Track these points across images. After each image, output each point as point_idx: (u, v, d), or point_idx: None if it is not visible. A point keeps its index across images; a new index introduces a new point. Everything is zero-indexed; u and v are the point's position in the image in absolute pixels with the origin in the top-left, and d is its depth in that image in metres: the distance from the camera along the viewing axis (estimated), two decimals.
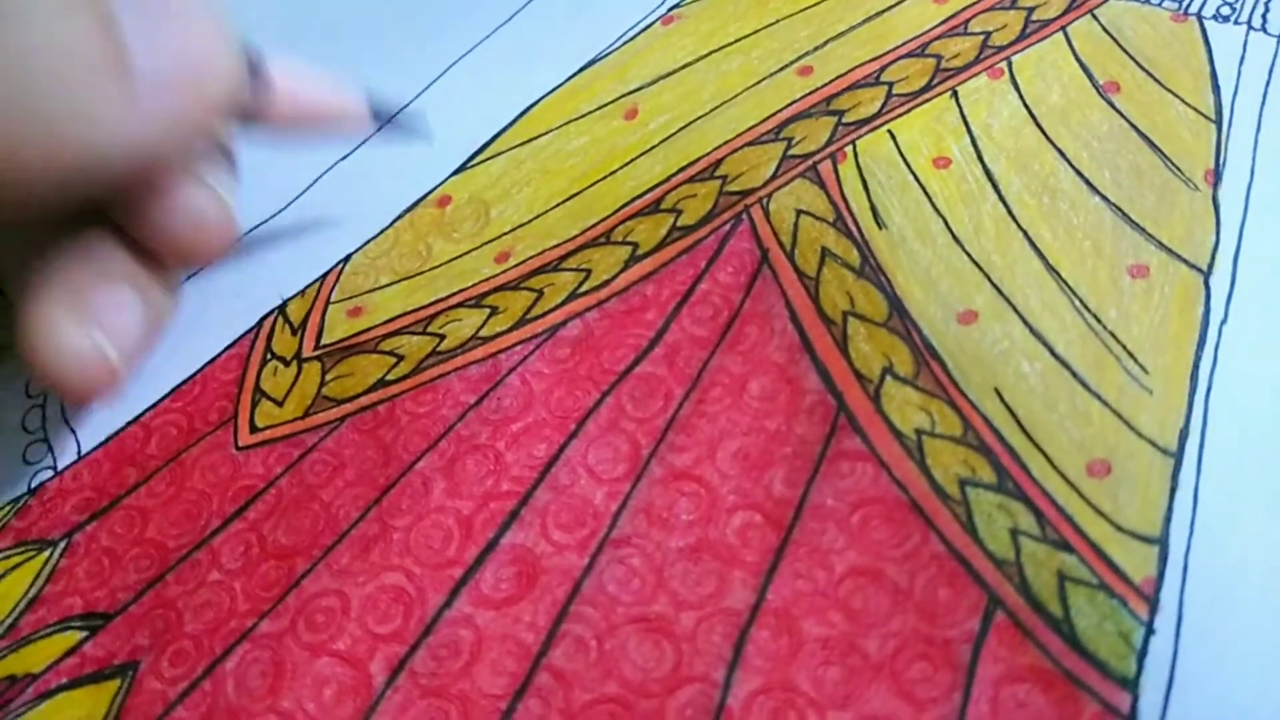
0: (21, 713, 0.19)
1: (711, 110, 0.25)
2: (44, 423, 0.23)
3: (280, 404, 0.22)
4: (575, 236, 0.23)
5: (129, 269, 0.20)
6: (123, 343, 0.20)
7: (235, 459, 0.21)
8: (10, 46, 0.16)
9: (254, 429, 0.22)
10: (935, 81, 0.24)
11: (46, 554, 0.21)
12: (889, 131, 0.23)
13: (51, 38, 0.16)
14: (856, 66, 0.24)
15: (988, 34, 0.24)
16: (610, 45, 0.27)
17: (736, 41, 0.26)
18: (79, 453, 0.22)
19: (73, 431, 0.23)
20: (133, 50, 0.17)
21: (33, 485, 0.22)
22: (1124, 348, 0.19)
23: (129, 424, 0.22)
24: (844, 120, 0.23)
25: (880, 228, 0.21)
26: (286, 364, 0.23)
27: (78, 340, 0.19)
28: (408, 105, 0.23)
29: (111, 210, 0.20)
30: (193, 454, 0.22)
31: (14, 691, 0.19)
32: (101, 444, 0.22)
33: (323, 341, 0.23)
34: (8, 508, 0.22)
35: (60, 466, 0.22)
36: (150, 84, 0.17)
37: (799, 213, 0.22)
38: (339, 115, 0.22)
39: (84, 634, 0.20)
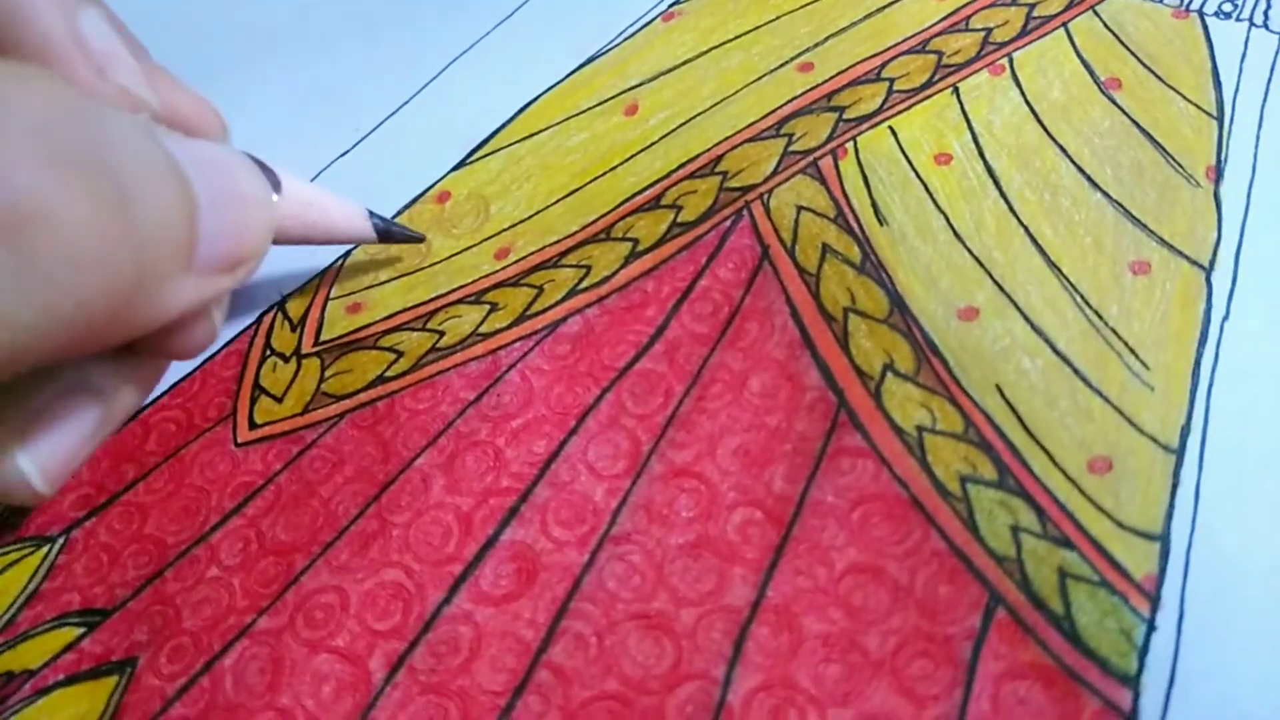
0: (19, 709, 0.19)
1: (712, 106, 0.25)
2: None
3: (279, 400, 0.22)
4: (575, 233, 0.23)
5: (90, 383, 0.20)
6: (61, 462, 0.19)
7: (234, 455, 0.21)
8: (120, 224, 0.16)
9: (253, 425, 0.22)
10: (936, 78, 0.24)
11: (45, 550, 0.21)
12: (890, 128, 0.23)
13: (154, 217, 0.17)
14: (857, 63, 0.24)
15: (989, 30, 0.24)
16: (611, 41, 0.27)
17: (737, 38, 0.26)
18: None
19: None
20: (203, 239, 0.18)
21: (29, 505, 0.22)
22: (1125, 344, 0.19)
23: (128, 420, 0.22)
24: (845, 117, 0.23)
25: (881, 224, 0.21)
26: (286, 360, 0.23)
27: (14, 470, 0.19)
28: (396, 222, 0.24)
29: None
30: (192, 450, 0.22)
31: (11, 688, 0.19)
32: None
33: (322, 338, 0.23)
34: (6, 504, 0.22)
35: None
36: (204, 265, 0.18)
37: (800, 209, 0.22)
38: (344, 235, 0.22)
39: (82, 630, 0.20)
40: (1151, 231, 0.20)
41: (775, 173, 0.23)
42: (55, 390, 0.20)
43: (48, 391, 0.19)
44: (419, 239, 0.24)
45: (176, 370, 0.23)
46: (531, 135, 0.26)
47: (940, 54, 0.24)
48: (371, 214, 0.23)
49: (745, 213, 0.22)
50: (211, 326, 0.20)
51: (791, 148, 0.23)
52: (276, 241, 0.21)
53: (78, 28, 0.19)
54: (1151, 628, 0.16)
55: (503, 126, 0.26)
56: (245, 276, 0.19)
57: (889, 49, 0.24)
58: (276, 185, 0.20)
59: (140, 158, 0.17)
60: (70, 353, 0.17)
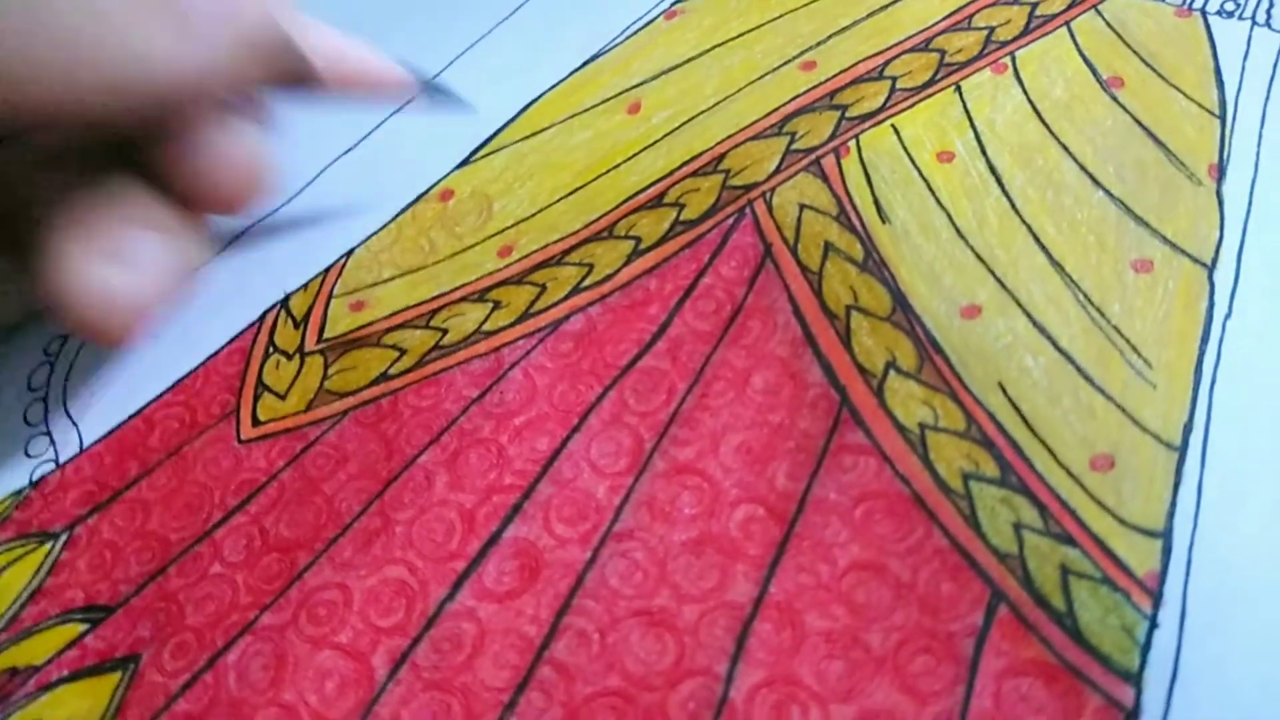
0: (23, 705, 0.19)
1: (714, 105, 0.25)
2: (46, 415, 0.23)
3: (283, 397, 0.22)
4: (578, 231, 0.23)
5: (155, 215, 0.21)
6: (146, 284, 0.20)
7: (237, 452, 0.21)
8: None
9: (256, 422, 0.22)
10: (939, 76, 0.24)
11: (48, 546, 0.21)
12: (892, 126, 0.23)
13: None
14: (860, 61, 0.24)
15: (991, 29, 0.24)
16: (613, 40, 0.27)
17: (739, 36, 0.26)
18: (80, 445, 0.22)
19: (74, 424, 0.23)
20: None
21: (34, 478, 0.22)
22: (1128, 342, 0.19)
23: (131, 417, 0.22)
24: (847, 115, 0.23)
25: (883, 222, 0.21)
26: (289, 357, 0.23)
27: (101, 276, 0.19)
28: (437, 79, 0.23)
29: (143, 153, 0.21)
30: (195, 447, 0.22)
31: (15, 684, 0.19)
32: (103, 437, 0.22)
33: (325, 335, 0.23)
34: (9, 500, 0.22)
35: (62, 459, 0.22)
36: (194, 18, 0.18)
37: (802, 207, 0.22)
38: (381, 80, 0.22)
39: (85, 626, 0.20)
40: (1154, 230, 0.20)
41: (778, 171, 0.23)
42: (129, 220, 0.20)
43: (123, 220, 0.20)
44: (463, 105, 0.23)
45: (179, 366, 0.23)
46: (535, 134, 0.26)
47: (943, 52, 0.24)
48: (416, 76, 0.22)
49: (748, 211, 0.22)
50: (250, 148, 0.21)
51: (794, 146, 0.23)
52: (304, 83, 0.21)
53: None
54: (1154, 624, 0.16)
55: (506, 125, 0.26)
56: (251, 52, 0.19)
57: (891, 47, 0.24)
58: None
59: None
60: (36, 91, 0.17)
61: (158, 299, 0.20)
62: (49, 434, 0.23)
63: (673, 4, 0.27)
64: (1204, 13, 0.23)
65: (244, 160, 0.21)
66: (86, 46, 0.17)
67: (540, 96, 0.26)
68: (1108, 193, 0.21)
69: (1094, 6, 0.24)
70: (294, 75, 0.21)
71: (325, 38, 0.21)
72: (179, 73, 0.19)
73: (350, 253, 0.24)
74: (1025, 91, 0.23)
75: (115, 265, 0.20)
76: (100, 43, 0.18)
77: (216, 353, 0.23)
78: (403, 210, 0.25)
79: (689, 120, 0.24)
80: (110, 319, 0.20)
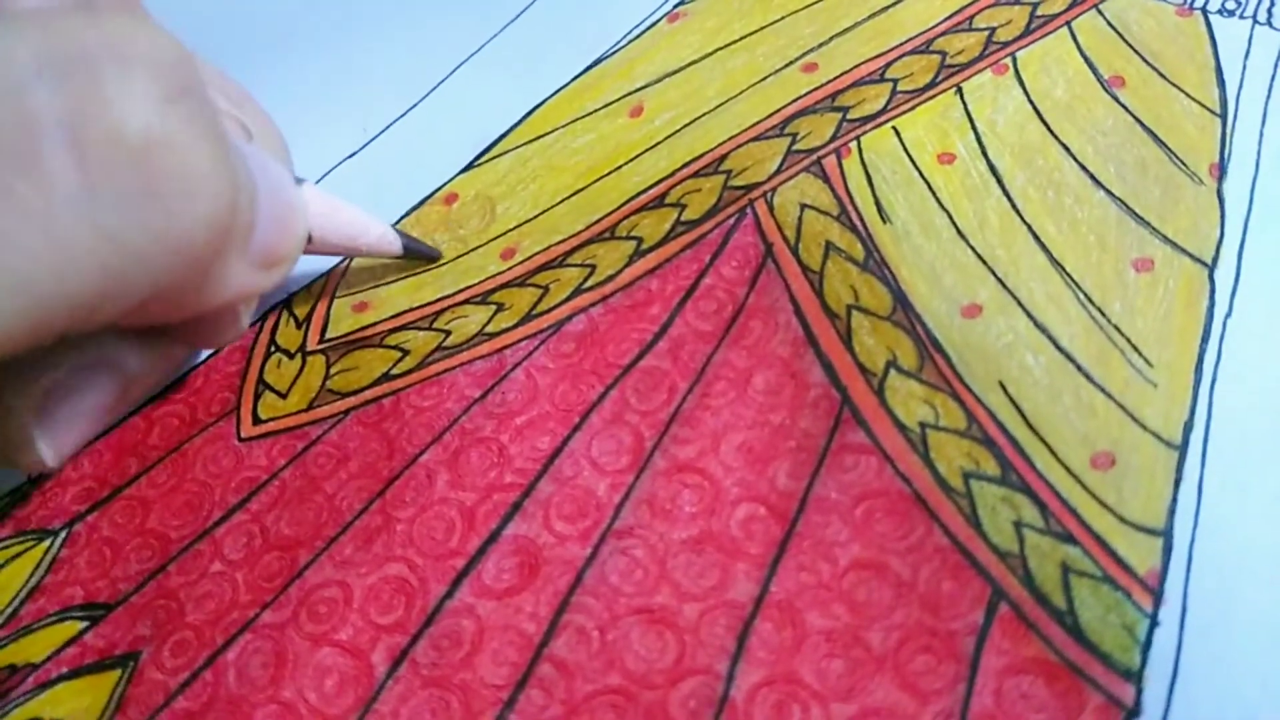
0: (22, 702, 0.19)
1: (716, 107, 0.25)
2: None
3: (284, 396, 0.22)
4: (580, 232, 0.23)
5: (110, 360, 0.21)
6: (69, 435, 0.21)
7: (238, 450, 0.21)
8: (226, 162, 0.17)
9: (257, 421, 0.22)
10: (940, 78, 0.24)
11: (47, 544, 0.21)
12: (893, 128, 0.23)
13: (243, 204, 0.18)
14: (861, 63, 0.24)
15: (992, 30, 0.24)
16: (616, 44, 0.27)
17: (741, 39, 0.26)
18: None
19: None
20: (258, 230, 0.19)
21: (33, 475, 0.22)
22: (1128, 341, 0.19)
23: (131, 415, 0.22)
24: (848, 116, 0.23)
25: (885, 222, 0.21)
26: (290, 357, 0.23)
27: (40, 441, 0.20)
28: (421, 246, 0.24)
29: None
30: (195, 445, 0.22)
31: (14, 681, 0.19)
32: (103, 435, 0.22)
33: (328, 335, 0.23)
34: (8, 497, 0.22)
35: None
36: (255, 255, 0.19)
37: (803, 207, 0.22)
38: (369, 249, 0.23)
39: (85, 624, 0.20)
40: (1154, 229, 0.20)
41: (779, 171, 0.23)
42: (77, 364, 0.20)
43: (68, 364, 0.20)
44: (435, 255, 0.24)
45: None
46: (539, 137, 0.26)
47: (944, 54, 0.24)
48: (396, 229, 0.23)
49: (749, 211, 0.22)
50: (240, 322, 0.21)
51: (795, 147, 0.23)
52: (306, 252, 0.21)
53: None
54: (1154, 623, 0.16)
55: (510, 129, 0.26)
56: (279, 279, 0.20)
57: (893, 49, 0.25)
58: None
59: (222, 121, 0.18)
60: (149, 309, 0.18)
61: (94, 430, 0.21)
62: None
63: (675, 7, 0.27)
64: (1205, 11, 0.23)
65: (236, 329, 0.22)
66: (200, 280, 0.18)
67: (544, 101, 0.26)
68: (1108, 192, 0.21)
69: (1095, 6, 0.24)
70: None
71: (328, 211, 0.22)
72: (235, 296, 0.19)
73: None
74: (1026, 92, 0.23)
75: (51, 427, 0.20)
76: (207, 277, 0.18)
77: (217, 351, 0.23)
78: (407, 213, 0.25)
79: (691, 122, 0.25)
80: (35, 468, 0.21)
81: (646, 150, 0.24)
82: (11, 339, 0.15)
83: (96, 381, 0.21)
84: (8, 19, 0.15)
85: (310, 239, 0.21)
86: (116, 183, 0.15)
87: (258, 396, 0.22)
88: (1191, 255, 0.20)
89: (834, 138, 0.23)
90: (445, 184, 0.25)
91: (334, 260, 0.24)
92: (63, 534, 0.21)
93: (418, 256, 0.24)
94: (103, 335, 0.21)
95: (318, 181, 0.26)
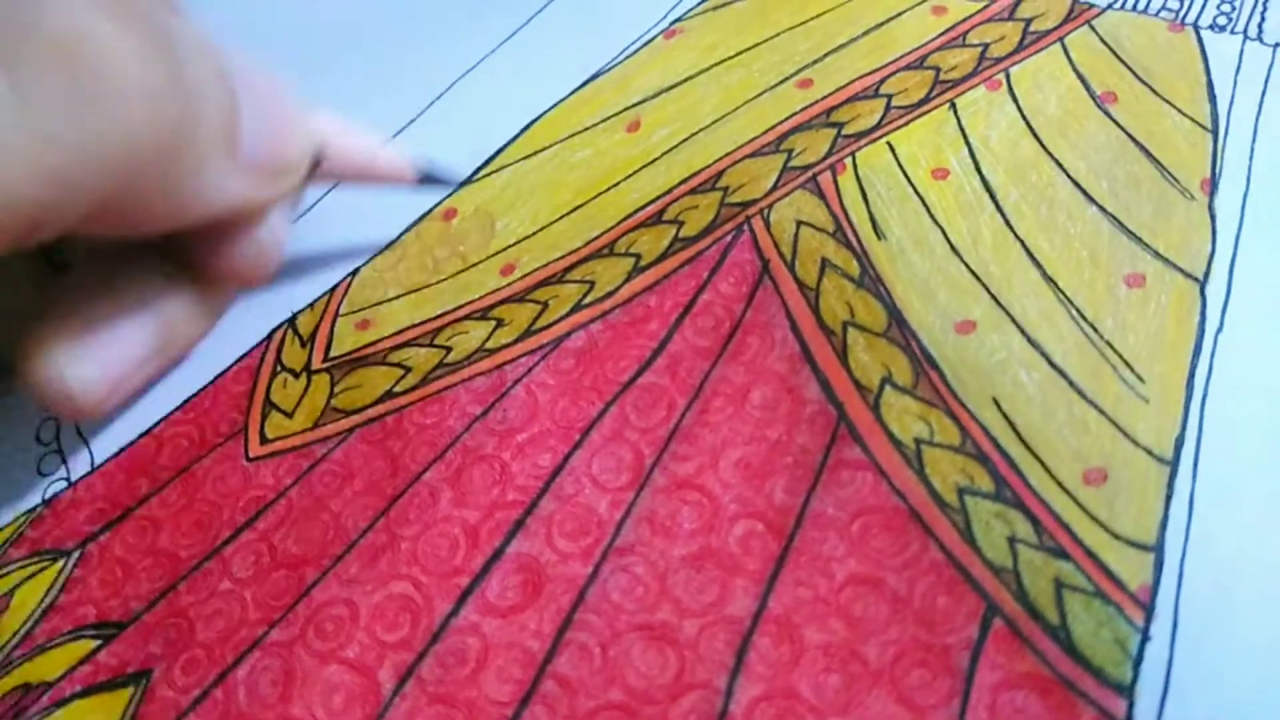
0: None
1: (713, 123, 0.25)
2: (58, 435, 0.23)
3: (290, 415, 0.22)
4: (579, 248, 0.23)
5: (150, 292, 0.21)
6: (115, 370, 0.21)
7: (246, 470, 0.22)
8: (166, 69, 0.17)
9: (264, 440, 0.22)
10: (934, 93, 0.24)
11: (60, 564, 0.21)
12: (888, 143, 0.23)
13: (199, 86, 0.18)
14: (856, 79, 0.25)
15: (986, 46, 0.24)
16: (614, 59, 0.27)
17: (738, 55, 0.26)
18: (92, 464, 0.23)
19: (86, 443, 0.23)
20: (246, 133, 0.19)
21: (47, 496, 0.22)
22: (1120, 357, 0.19)
23: (141, 436, 0.23)
24: (844, 132, 0.24)
25: (879, 238, 0.22)
26: (296, 376, 0.23)
27: (62, 369, 0.20)
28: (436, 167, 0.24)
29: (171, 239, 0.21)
30: (204, 465, 0.22)
31: (29, 700, 0.20)
32: (114, 455, 0.23)
33: (331, 354, 0.23)
34: (23, 518, 0.22)
35: (74, 477, 0.23)
36: (247, 161, 0.19)
37: (799, 224, 0.22)
38: (384, 173, 0.23)
39: (98, 643, 0.20)
40: (1146, 244, 0.20)
41: (775, 188, 0.23)
42: (112, 304, 0.21)
43: (104, 304, 0.21)
44: (454, 180, 0.24)
45: (188, 385, 0.23)
46: (536, 152, 0.26)
47: (938, 70, 0.24)
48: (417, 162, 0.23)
49: (746, 228, 0.23)
50: (271, 239, 0.22)
51: (791, 163, 0.23)
52: (320, 178, 0.22)
53: None
54: (1146, 638, 0.16)
55: (508, 144, 0.26)
56: (288, 189, 0.20)
57: (887, 65, 0.25)
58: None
59: (191, 35, 0.18)
60: (121, 213, 0.18)
61: (138, 378, 0.21)
62: (61, 452, 0.23)
63: (672, 23, 0.28)
64: (1196, 27, 0.24)
65: (266, 250, 0.22)
66: (156, 174, 0.18)
67: (541, 115, 0.27)
68: (1100, 208, 0.21)
69: (1088, 22, 0.24)
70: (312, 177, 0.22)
71: (339, 132, 0.22)
72: (223, 206, 0.20)
73: (356, 272, 0.25)
74: (1019, 108, 0.23)
75: (88, 358, 0.20)
76: (177, 181, 0.18)
77: (225, 372, 0.24)
78: (407, 229, 0.25)
79: (688, 138, 0.25)
80: (71, 408, 0.21)
81: (644, 166, 0.25)
82: None
83: (135, 322, 0.21)
84: None
85: (321, 162, 0.21)
86: (45, 83, 0.15)
87: (265, 416, 0.22)
88: (1183, 271, 0.20)
89: (829, 153, 0.23)
90: (444, 199, 0.26)
91: (337, 278, 0.25)
92: (76, 554, 0.21)
93: (435, 183, 0.24)
94: (141, 275, 0.21)
95: (321, 197, 0.27)
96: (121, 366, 0.21)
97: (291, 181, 0.20)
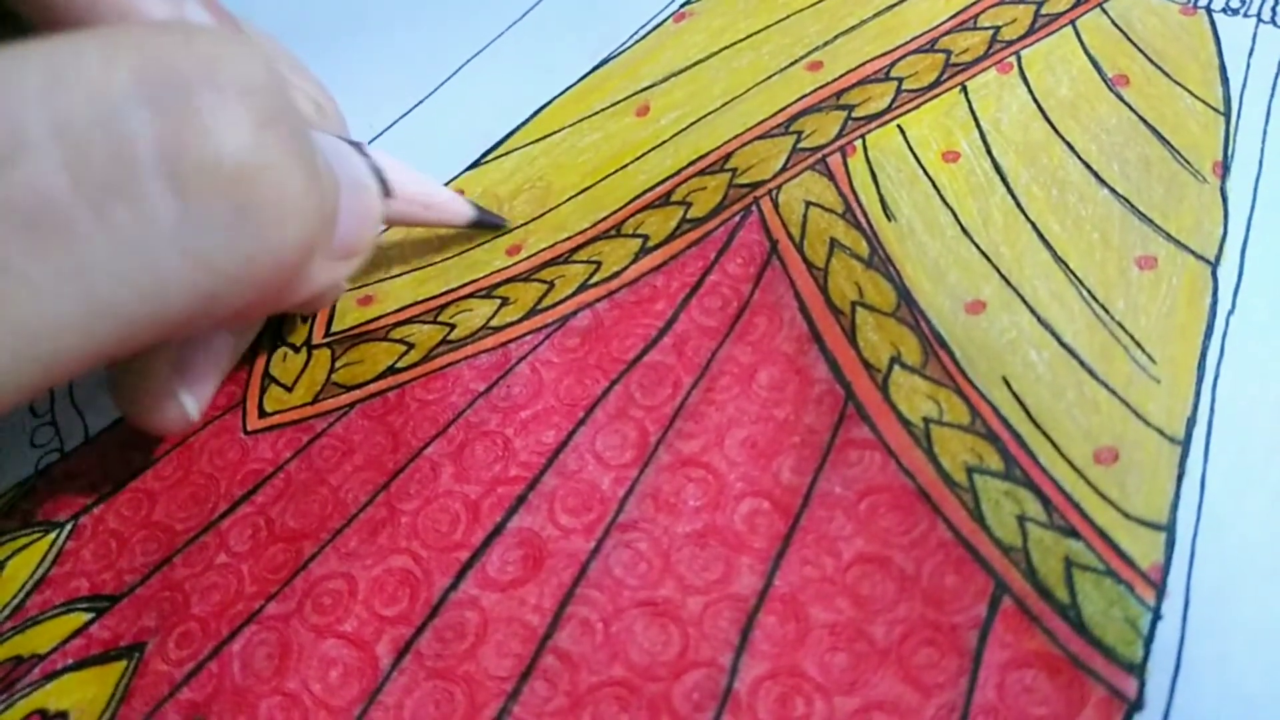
0: (28, 693, 0.19)
1: (722, 105, 0.25)
2: (51, 406, 0.23)
3: (290, 389, 0.22)
4: (586, 229, 0.23)
5: (241, 330, 0.22)
6: (206, 395, 0.21)
7: (244, 443, 0.21)
8: (317, 186, 0.17)
9: (263, 414, 0.22)
10: (944, 77, 0.24)
11: (53, 536, 0.21)
12: (898, 126, 0.23)
13: (329, 215, 0.18)
14: (866, 62, 0.25)
15: (997, 29, 0.24)
16: (623, 44, 0.27)
17: (747, 38, 0.26)
18: (86, 436, 0.22)
19: (80, 415, 0.23)
20: (340, 227, 0.19)
21: (40, 467, 0.22)
22: (1132, 337, 0.19)
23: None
24: (854, 115, 0.23)
25: (889, 219, 0.21)
26: (296, 350, 0.23)
27: (170, 401, 0.20)
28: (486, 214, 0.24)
29: None
30: (201, 438, 0.22)
31: (20, 671, 0.19)
32: (108, 427, 0.22)
33: (333, 329, 0.23)
34: (14, 490, 0.22)
35: (67, 449, 0.22)
36: (336, 248, 0.19)
37: (808, 204, 0.22)
38: (441, 217, 0.23)
39: (90, 616, 0.20)
40: (1158, 227, 0.20)
41: (784, 169, 0.23)
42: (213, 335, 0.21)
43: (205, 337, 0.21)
44: (502, 224, 0.24)
45: None
46: (545, 136, 0.26)
47: (949, 53, 0.24)
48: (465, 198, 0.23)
49: (754, 209, 0.22)
50: (336, 291, 0.22)
51: (800, 145, 0.23)
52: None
53: (183, 11, 0.20)
54: (1157, 616, 0.16)
55: (518, 127, 0.26)
56: (358, 266, 0.20)
57: (898, 48, 0.25)
58: (382, 177, 0.21)
59: (310, 129, 0.18)
60: (240, 316, 0.18)
61: (210, 397, 0.22)
62: (55, 424, 0.23)
63: (681, 7, 0.28)
64: (1209, 10, 0.23)
65: (335, 290, 0.22)
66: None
67: (551, 100, 0.27)
68: (1112, 190, 0.21)
69: (1099, 5, 0.24)
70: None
71: (398, 173, 0.22)
72: (319, 289, 0.19)
73: None
74: (1030, 90, 0.23)
75: (189, 386, 0.21)
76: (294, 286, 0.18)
77: None
78: None
79: (697, 121, 0.25)
80: (175, 430, 0.21)
81: (653, 149, 0.24)
82: (99, 357, 0.16)
83: (218, 341, 0.21)
84: (106, 36, 0.15)
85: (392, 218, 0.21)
86: (212, 211, 0.15)
87: (264, 390, 0.22)
88: (1194, 253, 0.20)
89: (839, 136, 0.23)
90: (451, 181, 0.25)
91: None
92: (69, 526, 0.21)
93: (485, 226, 0.24)
94: None
95: None
96: (216, 377, 0.21)
97: (363, 260, 0.21)
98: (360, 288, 0.24)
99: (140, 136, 0.15)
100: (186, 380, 0.21)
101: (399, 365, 0.22)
